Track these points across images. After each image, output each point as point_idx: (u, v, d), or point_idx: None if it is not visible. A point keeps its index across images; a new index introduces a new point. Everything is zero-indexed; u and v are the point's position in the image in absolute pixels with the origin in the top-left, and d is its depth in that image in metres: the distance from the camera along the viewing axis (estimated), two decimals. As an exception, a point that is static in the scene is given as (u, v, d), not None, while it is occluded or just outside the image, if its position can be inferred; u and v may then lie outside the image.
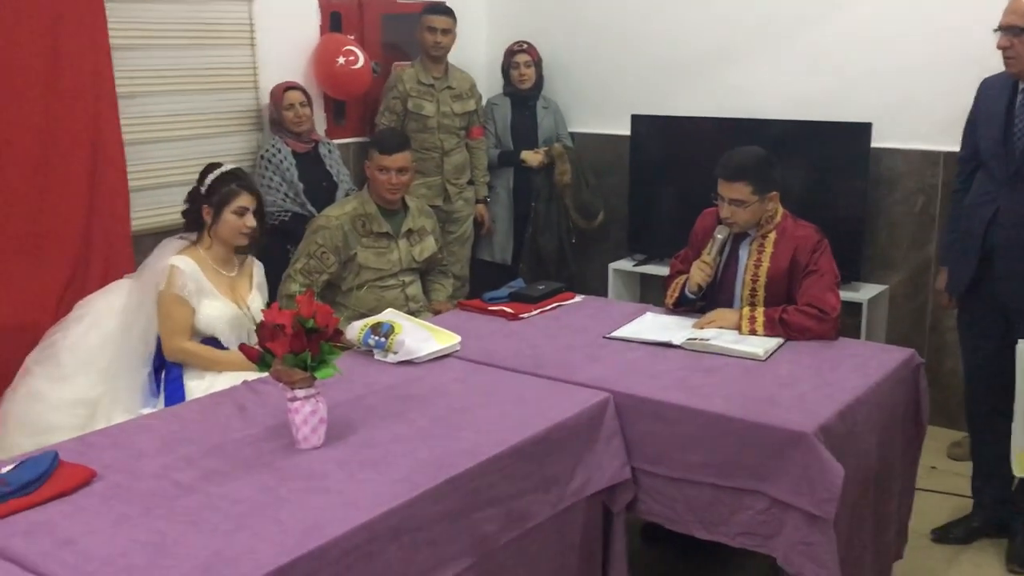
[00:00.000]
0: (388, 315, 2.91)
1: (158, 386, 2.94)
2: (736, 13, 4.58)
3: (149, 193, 3.90)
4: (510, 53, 4.93)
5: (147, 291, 2.97)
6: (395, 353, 2.72)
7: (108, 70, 3.63)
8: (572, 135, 5.08)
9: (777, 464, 2.25)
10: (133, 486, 1.96)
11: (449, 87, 4.69)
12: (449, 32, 4.64)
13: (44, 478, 1.93)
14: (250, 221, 3.01)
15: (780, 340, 2.81)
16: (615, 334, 2.93)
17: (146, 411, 2.82)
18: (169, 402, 2.85)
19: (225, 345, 2.97)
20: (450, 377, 2.62)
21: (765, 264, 2.96)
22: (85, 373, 2.91)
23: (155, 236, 3.27)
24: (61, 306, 3.26)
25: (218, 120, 4.19)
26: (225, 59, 4.18)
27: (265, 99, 4.27)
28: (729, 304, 3.01)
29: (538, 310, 3.21)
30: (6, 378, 2.94)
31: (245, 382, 2.58)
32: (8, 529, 1.77)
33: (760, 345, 2.74)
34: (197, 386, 2.87)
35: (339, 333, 2.13)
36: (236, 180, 3.02)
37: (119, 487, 1.96)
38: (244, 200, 3.00)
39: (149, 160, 3.92)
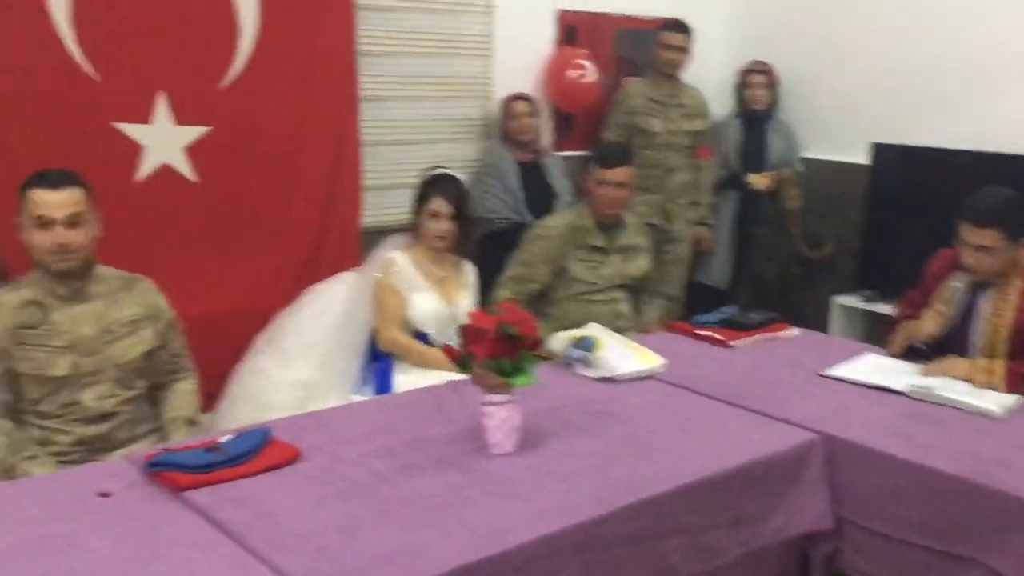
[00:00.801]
0: (592, 330, 2.89)
1: (369, 375, 3.07)
2: (998, 35, 4.21)
3: (380, 193, 4.10)
4: (745, 72, 4.79)
5: (368, 284, 3.12)
6: (596, 368, 2.69)
7: (353, 74, 3.85)
8: (804, 160, 4.86)
9: (1005, 535, 2.02)
10: (334, 469, 2.04)
11: (679, 104, 4.62)
12: (684, 50, 4.57)
13: (256, 452, 2.05)
14: (442, 225, 3.08)
15: (1021, 399, 2.53)
16: (831, 372, 2.75)
17: (356, 398, 2.96)
18: (378, 392, 2.96)
19: (434, 342, 3.06)
20: (650, 398, 2.56)
21: (1008, 315, 2.68)
22: (306, 356, 3.09)
23: (382, 234, 3.42)
24: (292, 293, 3.48)
25: (450, 127, 4.34)
26: (462, 69, 4.33)
27: (496, 109, 4.38)
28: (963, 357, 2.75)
29: (750, 339, 3.08)
30: (239, 355, 3.17)
31: (449, 381, 2.64)
32: (219, 495, 1.89)
33: (996, 401, 2.48)
34: (404, 380, 2.96)
35: (540, 342, 2.13)
36: (435, 185, 3.13)
37: (322, 469, 2.05)
38: (437, 204, 3.08)
39: (383, 161, 4.12)
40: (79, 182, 2.46)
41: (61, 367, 2.44)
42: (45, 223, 2.39)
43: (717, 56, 5.16)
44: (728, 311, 3.29)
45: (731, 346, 3.03)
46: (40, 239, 2.41)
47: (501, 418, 2.11)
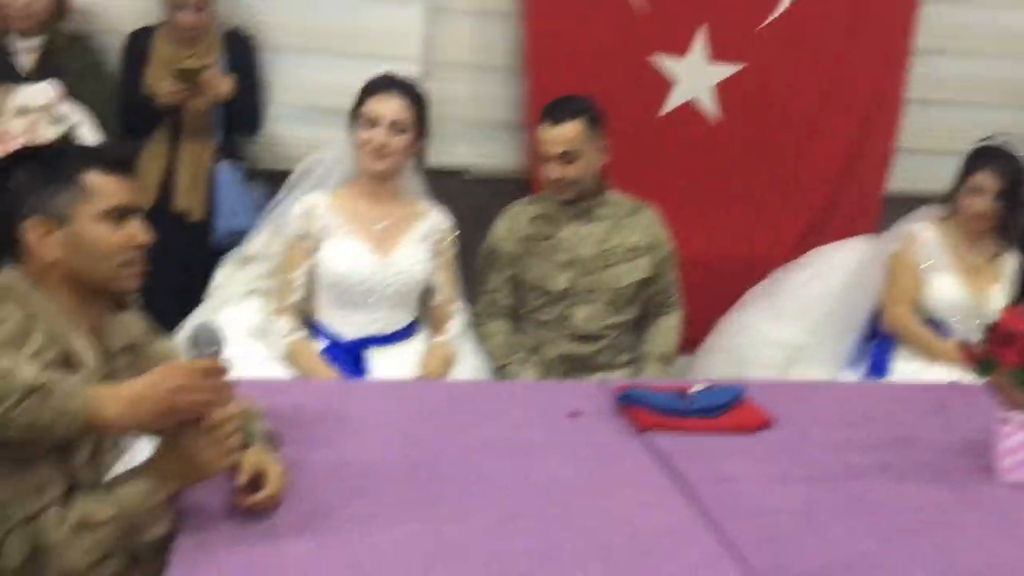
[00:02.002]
0: None
1: (864, 355, 2.80)
2: None
3: (919, 156, 3.62)
4: None
5: (883, 255, 2.84)
6: None
7: (909, 25, 3.46)
8: None
9: None
10: (803, 449, 1.88)
11: None
12: None
13: (725, 409, 1.96)
14: (985, 203, 2.71)
15: None
16: None
17: (845, 376, 2.72)
18: (870, 374, 2.72)
19: (948, 333, 2.69)
20: None
21: None
22: (799, 318, 2.92)
23: (911, 202, 3.06)
24: (794, 250, 3.28)
25: (1019, 91, 3.70)
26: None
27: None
28: None
29: None
30: (724, 301, 3.08)
31: (956, 382, 2.30)
32: (679, 444, 1.83)
33: None
34: (904, 367, 2.68)
35: (1092, 363, 1.72)
36: (985, 156, 2.75)
37: (789, 445, 1.90)
38: (982, 178, 2.70)
39: (929, 123, 3.63)
40: (584, 113, 2.52)
41: (560, 282, 2.57)
42: (546, 158, 2.52)
43: None
44: None
45: None
46: (546, 169, 2.54)
47: (1018, 441, 1.76)
